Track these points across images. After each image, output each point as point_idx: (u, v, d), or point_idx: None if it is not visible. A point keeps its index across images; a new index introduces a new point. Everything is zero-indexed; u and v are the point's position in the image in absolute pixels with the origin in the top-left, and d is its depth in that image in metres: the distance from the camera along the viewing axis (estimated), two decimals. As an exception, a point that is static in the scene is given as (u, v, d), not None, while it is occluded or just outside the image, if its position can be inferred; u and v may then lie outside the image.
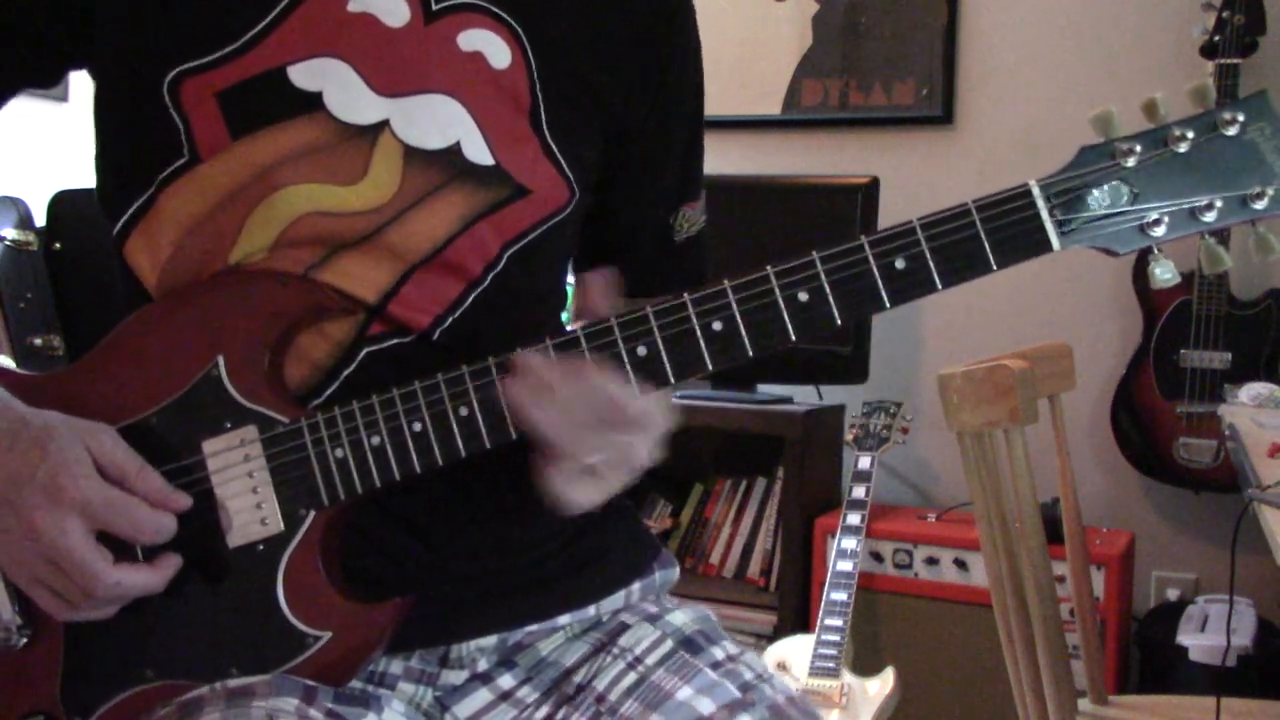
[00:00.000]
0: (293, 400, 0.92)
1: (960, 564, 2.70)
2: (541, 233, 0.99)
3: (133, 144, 0.96)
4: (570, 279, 1.16)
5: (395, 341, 0.95)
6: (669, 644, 1.01)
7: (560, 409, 0.84)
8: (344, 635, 0.89)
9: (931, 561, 2.73)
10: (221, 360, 0.92)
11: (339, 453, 0.90)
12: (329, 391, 0.94)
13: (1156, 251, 0.86)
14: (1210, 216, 0.84)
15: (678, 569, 1.12)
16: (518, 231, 0.98)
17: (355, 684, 0.95)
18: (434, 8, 0.96)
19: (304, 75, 0.92)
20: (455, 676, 0.99)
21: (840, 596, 2.58)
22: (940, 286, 0.85)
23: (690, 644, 1.01)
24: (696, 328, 0.87)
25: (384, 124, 0.94)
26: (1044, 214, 0.84)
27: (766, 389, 3.04)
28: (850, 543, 2.65)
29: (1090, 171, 0.84)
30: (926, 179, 3.09)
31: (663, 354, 0.87)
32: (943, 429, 1.76)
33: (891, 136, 3.16)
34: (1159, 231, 0.84)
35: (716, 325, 0.86)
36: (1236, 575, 1.72)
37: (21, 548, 0.86)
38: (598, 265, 1.11)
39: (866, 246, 0.86)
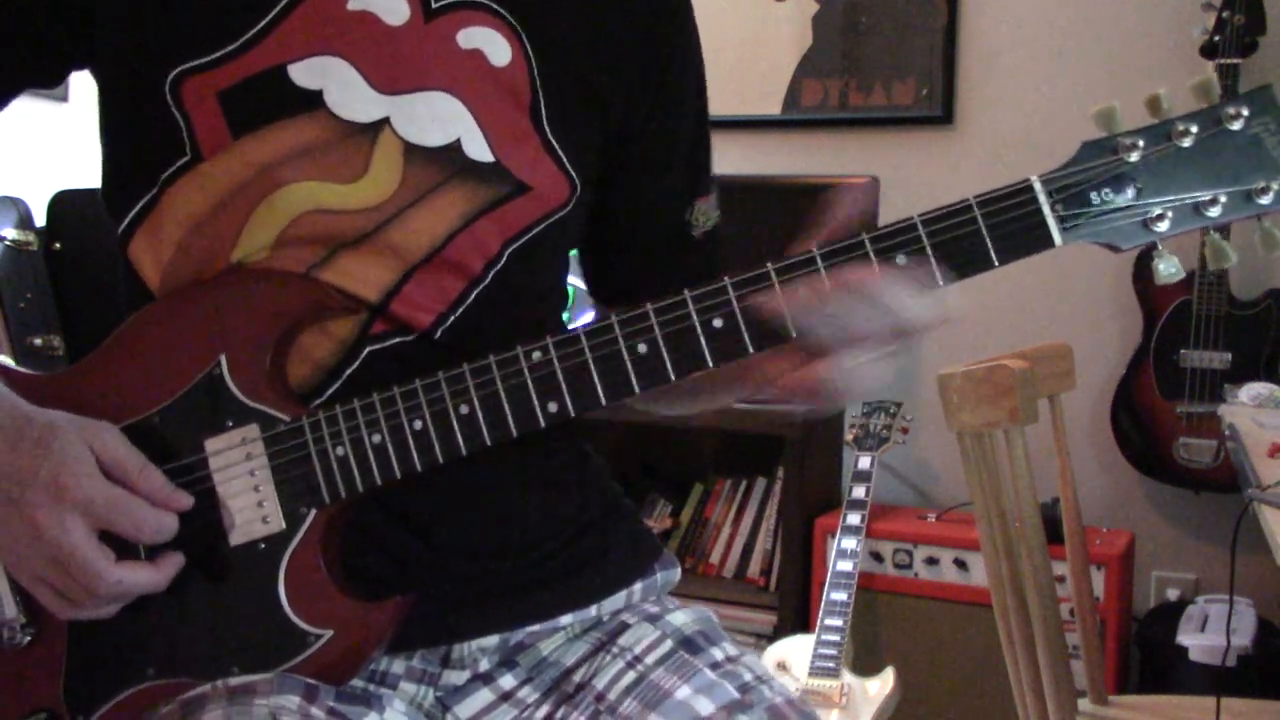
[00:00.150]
0: (294, 399, 0.92)
1: (960, 564, 2.70)
2: (542, 229, 0.99)
3: (135, 144, 0.96)
4: (579, 282, 1.16)
5: (397, 340, 0.95)
6: (669, 644, 1.01)
7: (843, 320, 0.84)
8: (345, 634, 0.89)
9: (931, 561, 2.73)
10: (223, 359, 0.92)
11: (340, 451, 0.90)
12: (331, 390, 0.94)
13: (1160, 247, 0.85)
14: (1214, 212, 0.83)
15: (679, 569, 1.13)
16: (519, 228, 0.98)
17: (357, 683, 0.95)
18: (433, 6, 0.97)
19: (304, 74, 0.92)
20: (456, 676, 0.99)
21: (840, 596, 2.58)
22: (941, 283, 0.85)
23: (690, 644, 1.01)
24: (697, 325, 0.87)
25: (384, 122, 0.94)
26: (1046, 209, 0.84)
27: (766, 389, 3.04)
28: (850, 543, 2.65)
29: (1093, 166, 0.84)
30: (927, 179, 3.09)
31: (663, 351, 0.87)
32: (943, 429, 1.76)
33: (891, 136, 3.16)
34: (1162, 227, 0.84)
35: (717, 322, 0.86)
36: (1236, 575, 1.72)
37: (24, 546, 0.86)
38: (617, 273, 1.11)
39: (868, 243, 0.86)
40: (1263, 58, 2.65)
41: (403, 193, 0.94)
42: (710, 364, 0.87)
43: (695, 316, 0.87)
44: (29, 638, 0.92)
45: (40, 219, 2.59)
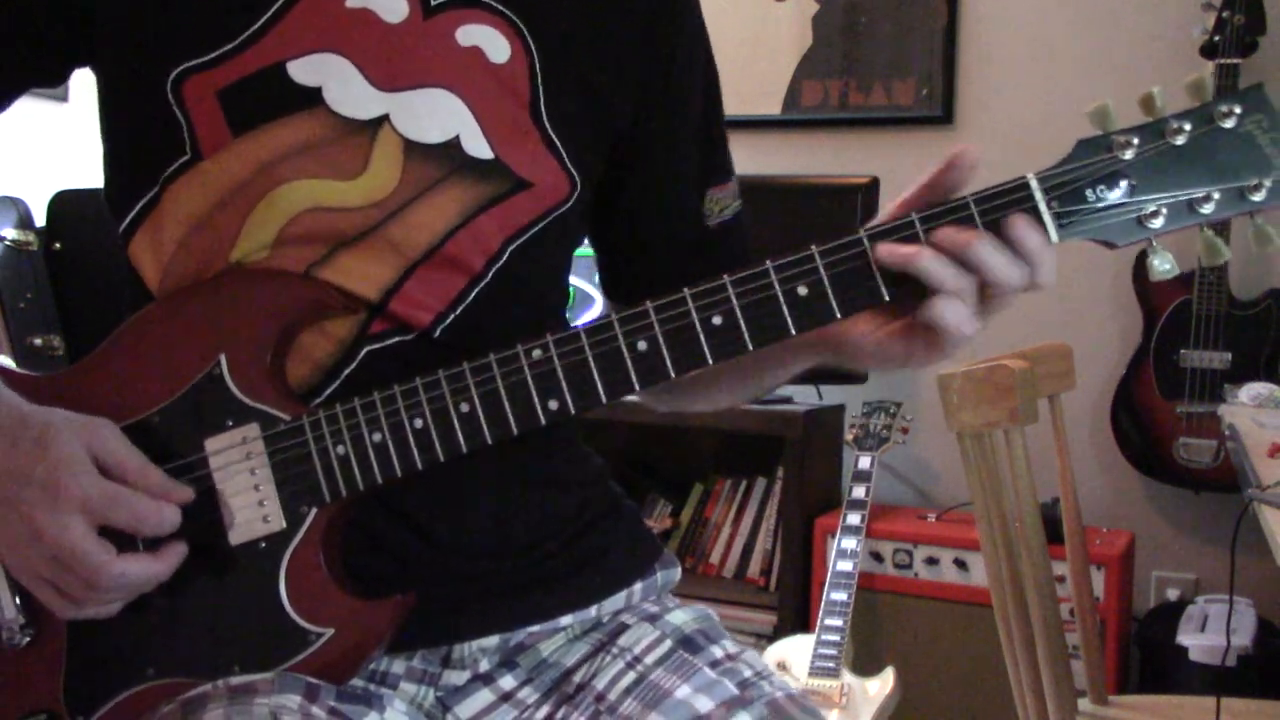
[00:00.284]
0: (294, 398, 0.92)
1: (960, 564, 2.70)
2: (543, 226, 0.99)
3: (136, 143, 0.96)
4: (579, 282, 1.15)
5: (397, 340, 0.95)
6: (668, 643, 1.01)
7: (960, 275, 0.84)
8: (346, 632, 0.89)
9: (931, 561, 2.73)
10: (223, 359, 0.92)
11: (340, 450, 0.90)
12: (330, 390, 0.94)
13: (1154, 243, 0.86)
14: (1208, 208, 0.84)
15: (679, 569, 1.13)
16: (519, 225, 0.98)
17: (357, 683, 0.95)
18: (432, 3, 0.97)
19: (303, 71, 0.93)
20: (457, 677, 0.99)
21: (840, 596, 2.58)
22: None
23: (689, 643, 1.01)
24: (696, 322, 0.87)
25: (384, 119, 0.94)
26: (1042, 206, 0.84)
27: (766, 389, 3.04)
28: (850, 543, 2.65)
29: (1088, 164, 0.84)
30: (926, 179, 3.08)
31: (663, 348, 0.87)
32: (943, 429, 1.76)
33: (891, 136, 3.16)
34: (1157, 223, 0.84)
35: (716, 320, 0.86)
36: (1236, 575, 1.72)
37: (24, 546, 0.86)
38: (634, 273, 1.11)
39: (865, 240, 0.86)
40: (1263, 58, 2.65)
41: (402, 190, 0.94)
42: (710, 361, 0.87)
43: (695, 314, 0.87)
44: (28, 638, 0.92)
45: (40, 219, 2.59)
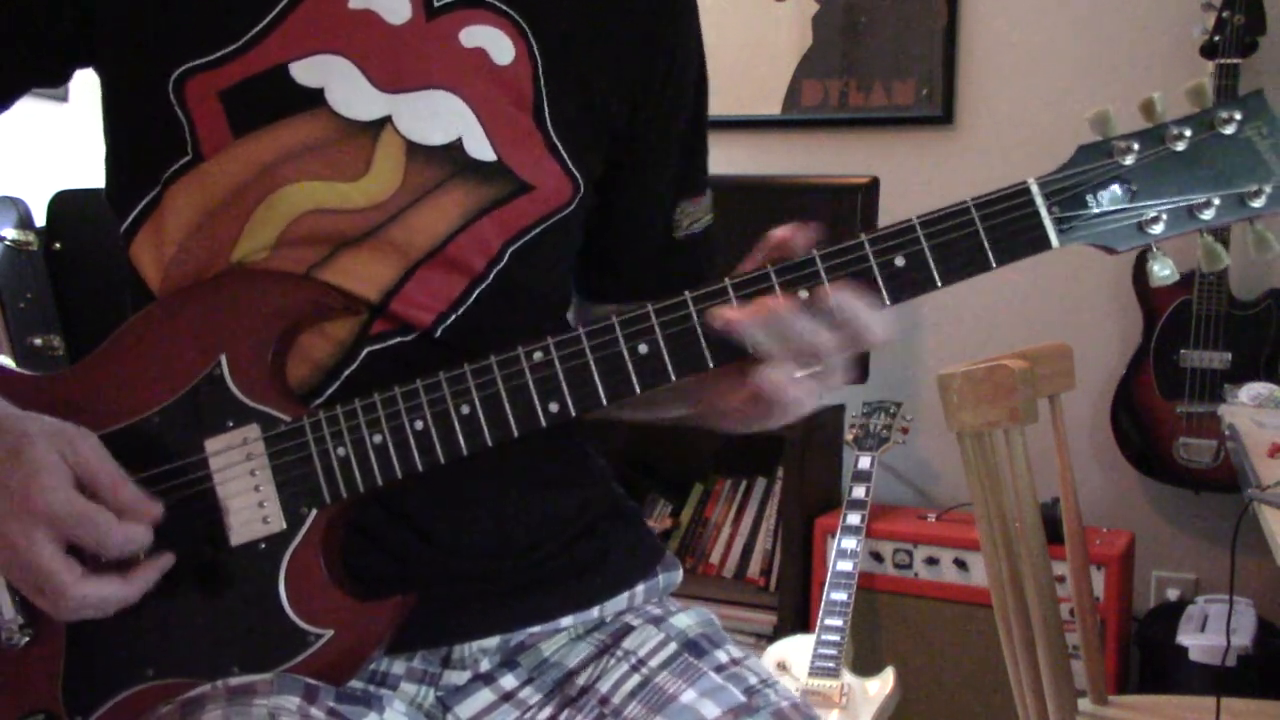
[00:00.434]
0: (295, 399, 0.92)
1: (960, 564, 2.70)
2: (544, 229, 0.99)
3: (138, 143, 0.96)
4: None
5: (397, 340, 0.95)
6: (673, 646, 1.01)
7: (787, 336, 0.84)
8: (346, 633, 0.89)
9: (931, 561, 2.73)
10: (224, 359, 0.92)
11: (341, 451, 0.90)
12: (330, 391, 0.94)
13: (1155, 249, 0.86)
14: (1208, 214, 0.84)
15: (680, 571, 1.12)
16: (520, 228, 0.98)
17: (357, 683, 0.95)
18: (435, 4, 0.97)
19: (306, 72, 0.92)
20: (457, 677, 0.99)
21: (840, 596, 2.58)
22: (940, 284, 0.85)
23: (694, 647, 1.01)
24: (697, 325, 0.87)
25: (386, 120, 0.94)
26: (1043, 212, 0.84)
27: (766, 389, 3.04)
28: (850, 543, 2.65)
29: (1088, 170, 0.85)
30: (926, 179, 3.09)
31: (664, 352, 0.87)
32: (943, 429, 1.76)
33: (891, 136, 3.16)
34: (1157, 229, 0.84)
35: (718, 324, 0.87)
36: (1236, 575, 1.72)
37: (3, 555, 0.85)
38: (600, 271, 1.11)
39: (866, 244, 0.86)
40: (1263, 58, 2.65)
41: (404, 191, 0.94)
42: (711, 365, 0.87)
43: (695, 317, 0.87)
44: (27, 638, 0.92)
45: (40, 219, 2.59)
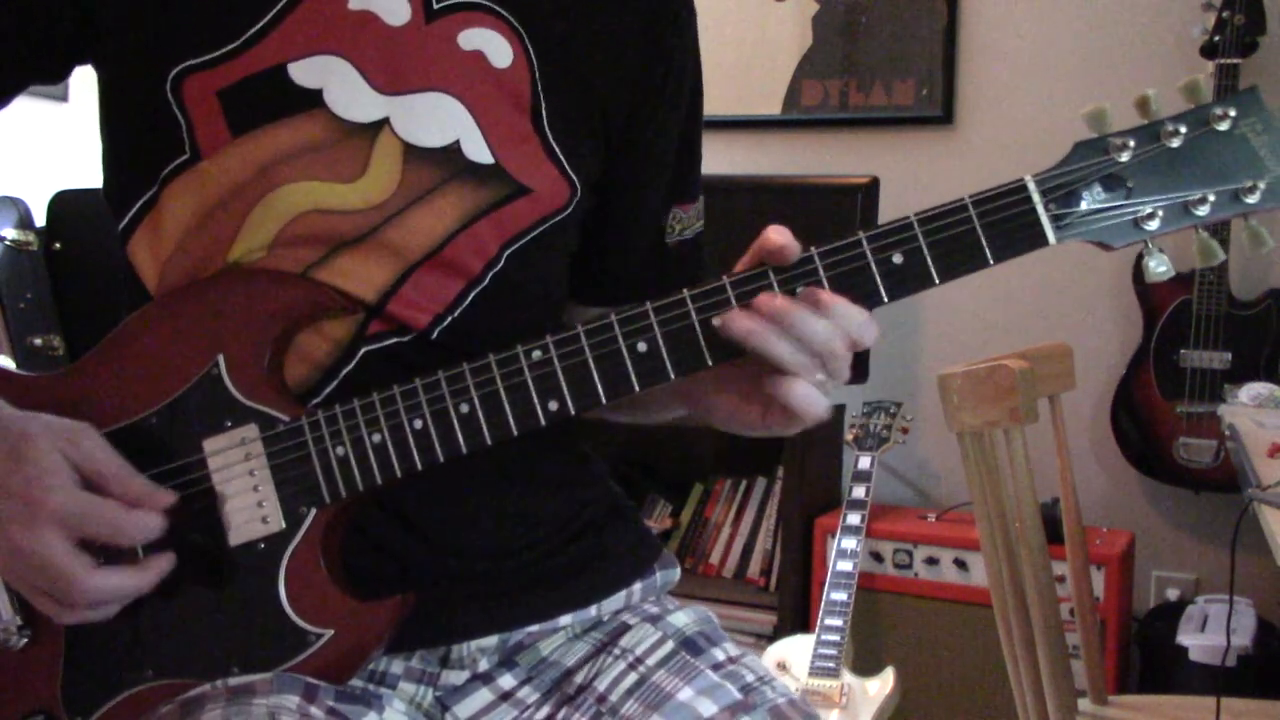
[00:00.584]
0: (293, 399, 0.92)
1: (960, 564, 2.70)
2: (541, 232, 0.99)
3: (136, 141, 0.96)
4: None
5: (394, 341, 0.95)
6: (670, 645, 1.01)
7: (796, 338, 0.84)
8: (345, 633, 0.89)
9: (931, 561, 2.73)
10: (221, 359, 0.92)
11: (340, 450, 0.90)
12: (328, 390, 0.94)
13: (1150, 245, 0.86)
14: (1203, 210, 0.85)
15: (679, 569, 1.12)
16: (517, 230, 0.98)
17: (356, 683, 0.95)
18: (435, 6, 0.97)
19: (304, 73, 0.92)
20: (456, 676, 0.99)
21: (840, 596, 2.58)
22: (937, 281, 0.86)
23: (691, 645, 1.01)
24: (696, 324, 0.87)
25: (384, 122, 0.94)
26: (1039, 208, 0.85)
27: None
28: (850, 543, 2.65)
29: (1084, 166, 0.85)
30: (926, 179, 3.09)
31: (663, 350, 0.87)
32: (943, 429, 1.76)
33: (891, 136, 3.17)
34: (1153, 225, 0.85)
35: (716, 321, 0.87)
36: (1236, 575, 1.72)
37: (5, 556, 0.85)
38: (590, 274, 1.10)
39: (864, 241, 0.86)
40: (1263, 58, 2.65)
41: (402, 193, 0.94)
42: (710, 363, 0.87)
43: (694, 315, 0.87)
44: (25, 640, 0.92)
45: (40, 219, 2.59)
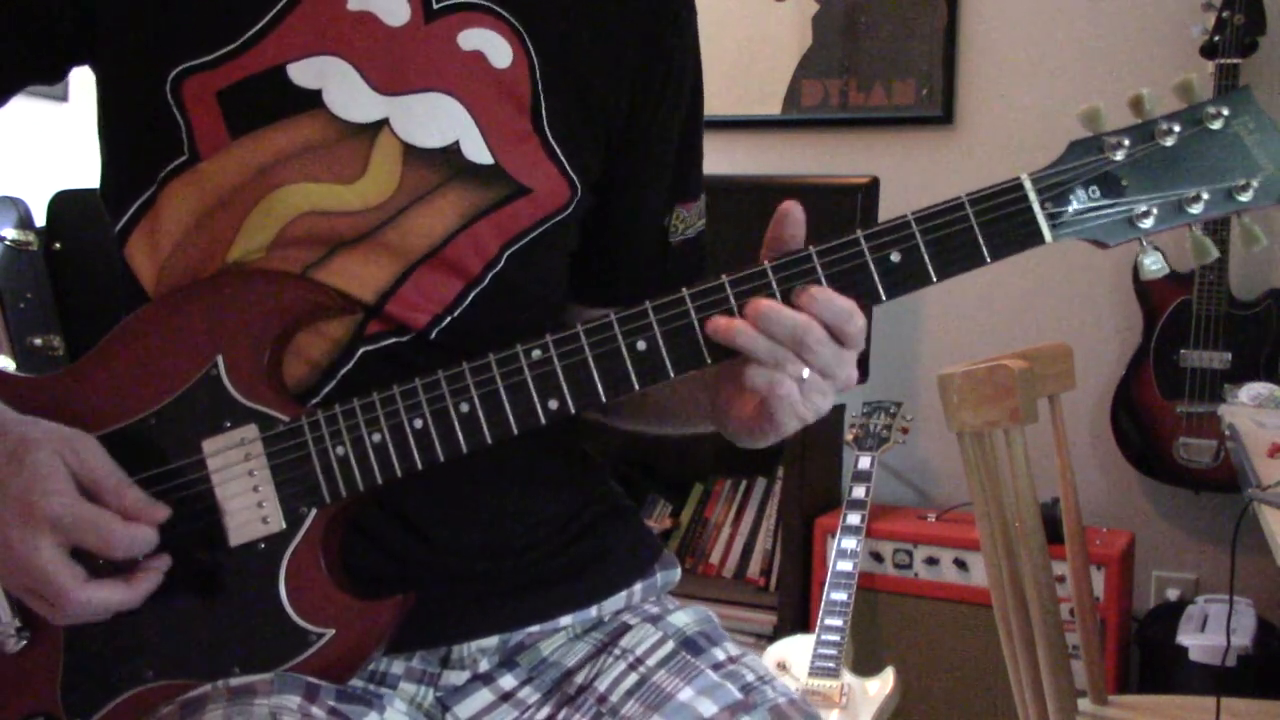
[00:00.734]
0: (292, 399, 0.92)
1: (960, 564, 2.70)
2: (541, 232, 0.99)
3: (134, 142, 0.96)
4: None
5: (393, 341, 0.95)
6: (670, 645, 1.01)
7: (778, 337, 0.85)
8: (346, 632, 0.89)
9: (931, 561, 2.73)
10: (220, 360, 0.92)
11: (340, 450, 0.90)
12: (326, 390, 0.94)
13: (1145, 243, 0.87)
14: (1197, 208, 0.85)
15: (679, 570, 1.12)
16: (517, 231, 0.98)
17: (357, 683, 0.95)
18: (434, 7, 0.97)
19: (304, 73, 0.92)
20: (456, 677, 0.99)
21: (840, 596, 2.58)
22: (935, 279, 0.86)
23: (692, 645, 1.01)
24: (695, 323, 0.87)
25: (383, 122, 0.94)
26: (1036, 207, 0.85)
27: (766, 389, 3.04)
28: (850, 543, 2.65)
29: (1080, 165, 0.86)
30: (926, 179, 3.09)
31: (662, 349, 0.87)
32: (943, 429, 1.76)
33: (891, 136, 3.16)
34: (1148, 223, 0.86)
35: (708, 327, 0.87)
36: (1236, 575, 1.72)
37: (4, 560, 0.85)
38: (592, 274, 1.10)
39: (862, 240, 0.86)
40: (1263, 58, 2.65)
41: (401, 194, 0.94)
42: (709, 361, 0.87)
43: (694, 315, 0.87)
44: (25, 642, 0.92)
45: (40, 219, 2.59)
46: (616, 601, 1.05)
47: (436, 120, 0.95)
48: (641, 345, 0.87)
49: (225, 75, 0.92)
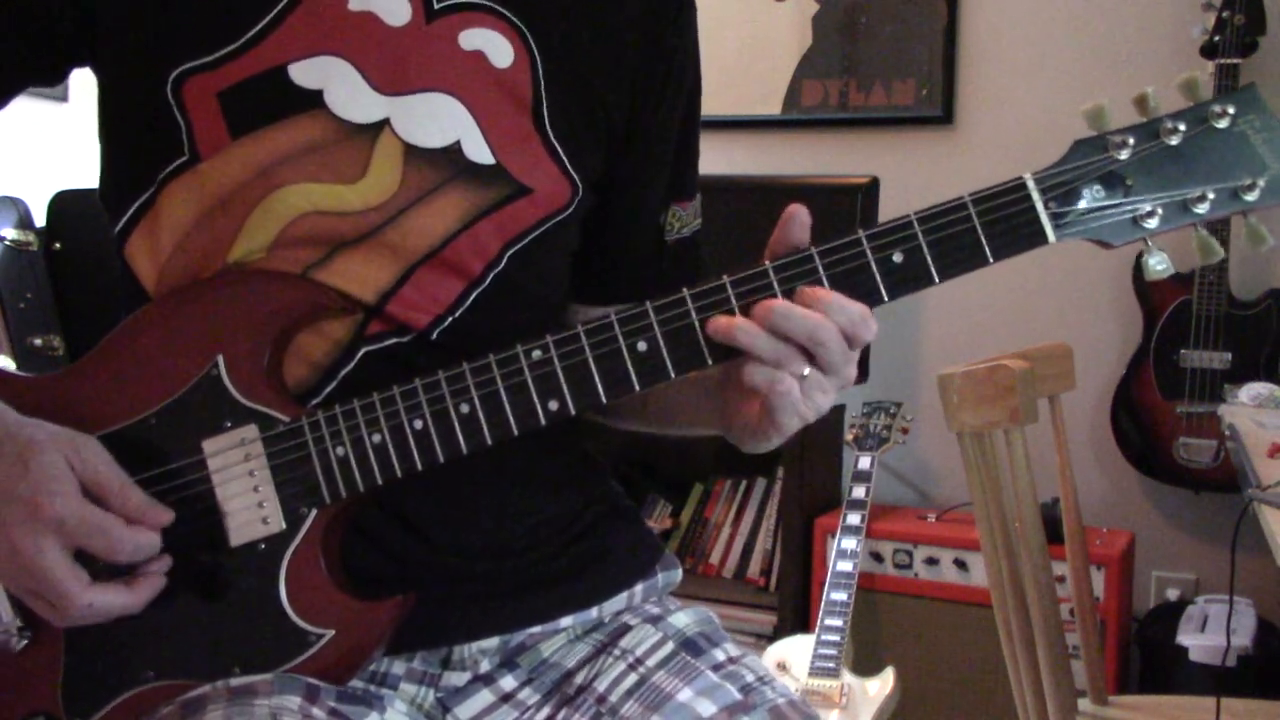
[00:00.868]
0: (293, 399, 0.92)
1: (960, 564, 2.70)
2: (543, 232, 0.99)
3: (134, 143, 0.96)
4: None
5: (394, 341, 0.95)
6: (670, 646, 1.01)
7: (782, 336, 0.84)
8: (346, 633, 0.89)
9: (931, 561, 2.73)
10: (221, 360, 0.91)
11: (340, 451, 0.90)
12: (327, 391, 0.94)
13: (1150, 243, 0.86)
14: (1202, 208, 0.84)
15: (680, 570, 1.12)
16: (518, 230, 0.98)
17: (357, 683, 0.95)
18: (435, 6, 0.97)
19: (305, 73, 0.92)
20: (457, 678, 0.99)
21: (840, 596, 2.58)
22: (937, 280, 0.86)
23: (691, 646, 1.01)
24: (696, 323, 0.87)
25: (384, 122, 0.94)
26: (1039, 206, 0.85)
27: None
28: (850, 543, 2.65)
29: (1084, 164, 0.85)
30: (926, 179, 3.09)
31: (663, 349, 0.87)
32: (943, 429, 1.76)
33: (891, 136, 3.16)
34: (1152, 223, 0.85)
35: (708, 327, 0.87)
36: (1236, 575, 1.72)
37: (4, 562, 0.85)
38: (593, 277, 1.10)
39: (864, 240, 0.86)
40: (1263, 58, 2.65)
41: (402, 194, 0.94)
42: (710, 362, 0.87)
43: (695, 315, 0.87)
44: (26, 641, 0.92)
45: (40, 219, 2.59)
46: (617, 602, 1.05)
47: (437, 120, 0.95)
48: (642, 346, 0.87)
49: (226, 76, 0.92)
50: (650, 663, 0.99)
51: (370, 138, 0.93)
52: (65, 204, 2.60)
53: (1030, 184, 0.85)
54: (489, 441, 0.89)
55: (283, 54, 0.93)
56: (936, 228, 0.85)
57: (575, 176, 1.01)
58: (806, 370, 0.85)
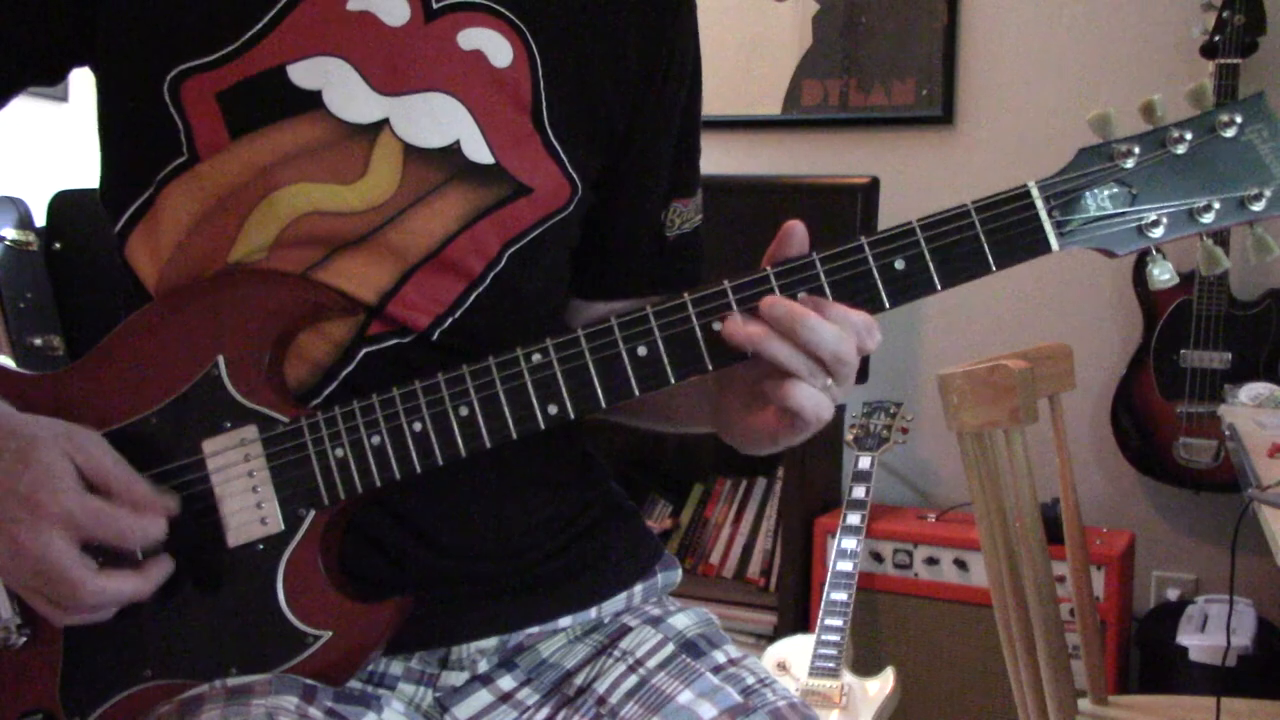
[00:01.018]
0: (293, 400, 0.92)
1: (960, 564, 2.70)
2: (543, 231, 0.99)
3: (133, 142, 0.96)
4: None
5: (394, 342, 0.95)
6: (670, 647, 1.01)
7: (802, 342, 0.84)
8: (344, 634, 0.89)
9: (931, 561, 2.73)
10: (221, 360, 0.92)
11: (339, 452, 0.90)
12: (328, 391, 0.94)
13: (1155, 252, 0.86)
14: (1208, 218, 0.84)
15: (680, 571, 1.12)
16: (519, 230, 0.98)
17: (355, 684, 0.95)
18: (434, 6, 0.96)
19: (304, 74, 0.92)
20: (455, 678, 0.99)
21: (840, 596, 2.58)
22: (939, 288, 0.85)
23: (692, 648, 1.01)
24: (696, 328, 0.87)
25: (384, 123, 0.94)
26: (1043, 215, 0.84)
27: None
28: (850, 543, 2.65)
29: (1089, 173, 0.85)
30: (926, 179, 3.09)
31: (663, 354, 0.87)
32: (943, 429, 1.76)
33: (891, 136, 3.16)
34: (1157, 233, 0.85)
35: (716, 325, 0.86)
36: (1236, 575, 1.72)
37: (7, 559, 0.85)
38: (594, 274, 1.10)
39: (866, 247, 0.86)
40: (1263, 58, 2.65)
41: (402, 194, 0.94)
42: (710, 366, 0.87)
43: (695, 319, 0.87)
44: (25, 639, 0.92)
45: (40, 219, 2.59)
46: (616, 603, 1.05)
47: (437, 120, 0.95)
48: (642, 350, 0.87)
49: (225, 76, 0.92)
50: (650, 664, 0.99)
51: (370, 138, 0.93)
52: (65, 204, 2.60)
53: (1034, 191, 0.84)
54: (487, 444, 0.89)
55: (281, 54, 0.92)
56: (939, 235, 0.85)
57: (575, 176, 1.01)
58: (829, 382, 0.86)
